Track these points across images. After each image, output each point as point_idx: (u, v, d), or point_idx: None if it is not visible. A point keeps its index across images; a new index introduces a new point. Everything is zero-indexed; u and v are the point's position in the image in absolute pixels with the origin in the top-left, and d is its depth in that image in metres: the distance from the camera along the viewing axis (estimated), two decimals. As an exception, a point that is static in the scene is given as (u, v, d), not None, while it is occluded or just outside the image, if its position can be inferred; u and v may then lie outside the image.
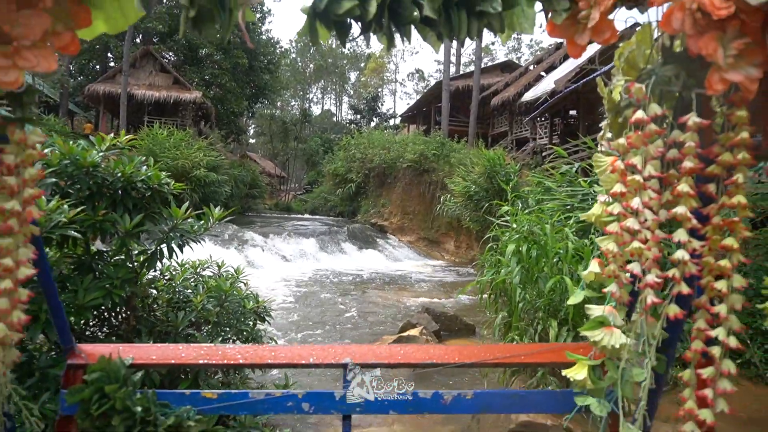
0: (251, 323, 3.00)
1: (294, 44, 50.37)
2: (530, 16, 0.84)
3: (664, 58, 0.79)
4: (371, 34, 0.84)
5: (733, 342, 0.75)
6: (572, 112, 17.63)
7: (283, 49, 37.57)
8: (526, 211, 3.95)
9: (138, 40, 24.68)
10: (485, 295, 4.24)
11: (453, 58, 26.35)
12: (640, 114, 0.76)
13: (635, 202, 0.77)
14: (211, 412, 1.17)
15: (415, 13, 0.80)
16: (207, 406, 1.16)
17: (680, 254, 0.77)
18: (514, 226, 3.59)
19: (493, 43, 39.78)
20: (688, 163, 0.75)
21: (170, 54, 25.75)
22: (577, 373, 1.12)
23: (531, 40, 47.11)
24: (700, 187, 0.80)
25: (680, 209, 0.76)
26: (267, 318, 3.14)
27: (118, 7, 0.87)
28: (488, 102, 22.97)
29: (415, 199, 18.10)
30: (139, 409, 1.08)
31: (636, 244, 0.77)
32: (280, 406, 1.19)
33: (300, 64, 50.55)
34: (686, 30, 0.75)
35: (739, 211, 0.75)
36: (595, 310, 1.06)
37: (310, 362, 1.25)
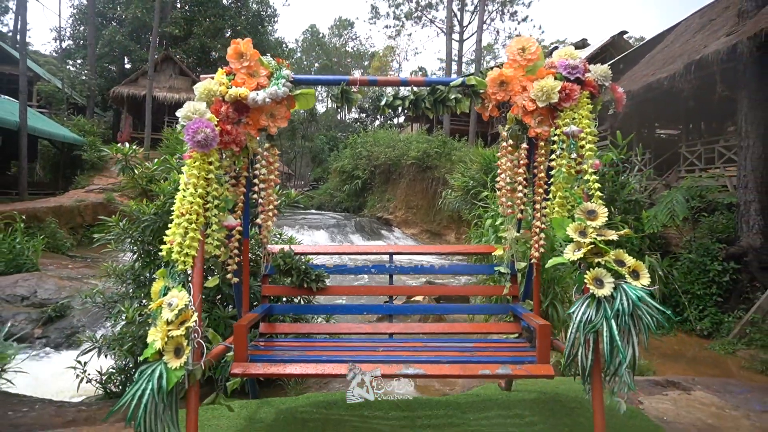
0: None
1: (299, 43, 51.39)
2: (467, 104, 2.16)
3: (516, 122, 2.12)
4: (404, 112, 2.17)
5: (541, 226, 2.09)
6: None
7: (288, 48, 38.80)
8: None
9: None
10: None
11: (455, 57, 27.49)
12: (504, 144, 2.10)
13: (503, 176, 2.11)
14: (330, 272, 2.57)
15: (423, 106, 2.13)
16: (329, 270, 2.55)
17: (520, 194, 2.11)
18: (492, 206, 4.90)
19: (495, 41, 41.04)
20: (521, 162, 2.09)
21: (185, 56, 27.12)
22: (499, 251, 2.47)
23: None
24: (532, 171, 2.14)
25: (519, 178, 2.10)
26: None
27: (304, 99, 2.20)
28: (487, 102, 24.02)
29: (419, 194, 19.23)
30: (303, 267, 2.46)
31: (504, 190, 2.11)
32: (362, 270, 2.57)
33: (305, 62, 51.13)
34: (520, 114, 2.08)
35: (543, 179, 2.08)
36: (502, 227, 2.40)
37: (374, 251, 2.64)
